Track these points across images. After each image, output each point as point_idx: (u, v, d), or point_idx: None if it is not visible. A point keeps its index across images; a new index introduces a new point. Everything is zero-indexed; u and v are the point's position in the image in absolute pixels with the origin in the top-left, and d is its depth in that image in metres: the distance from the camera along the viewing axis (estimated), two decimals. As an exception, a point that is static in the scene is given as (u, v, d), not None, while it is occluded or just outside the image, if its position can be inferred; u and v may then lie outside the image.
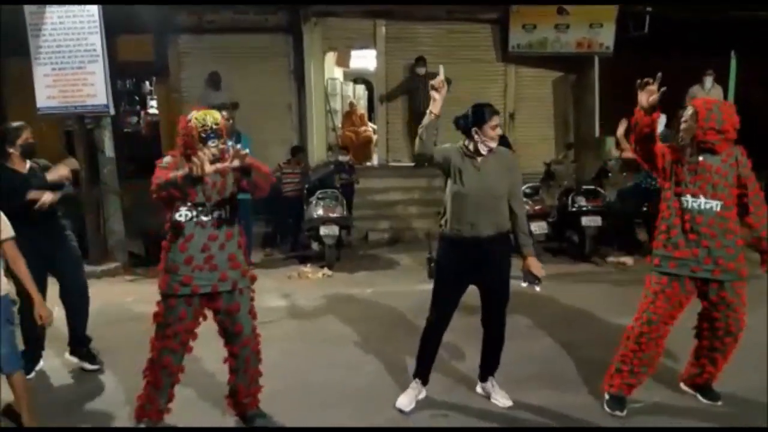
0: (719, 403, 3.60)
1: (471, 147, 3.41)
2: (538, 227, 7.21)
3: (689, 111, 3.41)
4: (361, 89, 13.06)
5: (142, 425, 3.33)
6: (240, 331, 3.28)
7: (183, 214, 3.13)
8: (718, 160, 3.36)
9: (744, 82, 9.98)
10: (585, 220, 7.11)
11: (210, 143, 3.09)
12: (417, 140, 3.34)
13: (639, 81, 3.24)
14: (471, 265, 3.45)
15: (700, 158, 3.36)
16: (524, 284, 3.56)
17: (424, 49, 9.35)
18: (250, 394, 3.42)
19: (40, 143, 6.94)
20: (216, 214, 3.17)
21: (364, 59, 11.75)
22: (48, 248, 4.03)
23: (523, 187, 7.65)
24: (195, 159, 2.90)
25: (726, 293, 3.41)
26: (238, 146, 3.27)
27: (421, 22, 9.55)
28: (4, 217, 3.27)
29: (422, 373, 3.68)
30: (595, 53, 9.37)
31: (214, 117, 3.14)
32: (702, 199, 3.34)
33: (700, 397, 3.66)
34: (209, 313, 3.34)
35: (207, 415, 3.61)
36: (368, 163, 10.39)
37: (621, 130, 6.52)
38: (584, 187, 7.43)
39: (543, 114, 10.11)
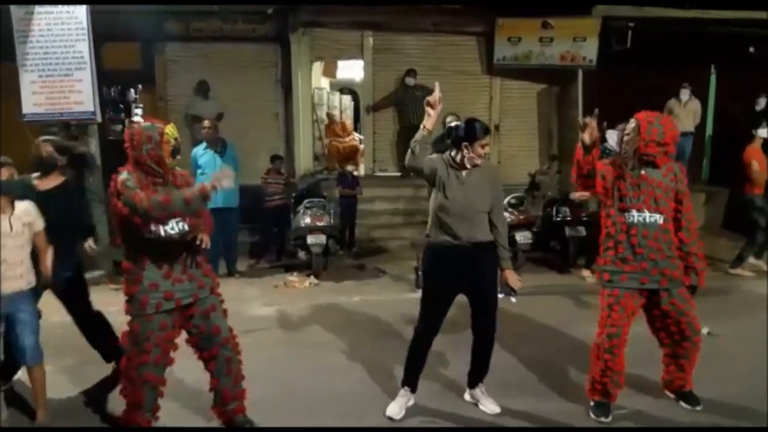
0: (699, 408, 3.68)
1: (458, 159, 3.48)
2: (523, 237, 7.29)
3: (631, 124, 3.52)
4: (347, 99, 13.12)
5: None
6: (218, 332, 3.30)
7: (152, 231, 3.10)
8: (659, 174, 3.47)
9: (722, 95, 10.21)
10: (569, 231, 7.20)
11: (178, 156, 3.22)
12: (409, 154, 3.39)
13: (580, 122, 3.41)
14: (457, 274, 3.51)
15: (642, 172, 3.48)
16: (501, 295, 3.65)
17: (411, 61, 9.45)
18: (235, 397, 3.41)
19: (25, 150, 6.96)
20: (180, 226, 3.18)
21: (351, 69, 11.82)
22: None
23: (509, 197, 7.78)
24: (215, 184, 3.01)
25: (676, 300, 3.54)
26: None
27: (408, 33, 9.65)
28: (35, 208, 3.46)
29: (411, 382, 3.72)
30: (578, 66, 9.52)
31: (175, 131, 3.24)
32: (646, 213, 3.45)
33: (681, 403, 3.74)
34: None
35: (193, 425, 3.60)
36: (355, 173, 10.41)
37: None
38: (568, 197, 7.52)
39: (528, 125, 10.24)
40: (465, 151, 3.44)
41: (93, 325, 4.14)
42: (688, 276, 3.55)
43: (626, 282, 3.50)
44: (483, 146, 3.44)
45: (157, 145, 3.10)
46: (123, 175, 3.12)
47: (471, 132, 3.43)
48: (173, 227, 3.15)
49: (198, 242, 3.17)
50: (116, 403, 3.67)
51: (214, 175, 3.07)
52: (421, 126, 3.34)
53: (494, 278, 3.61)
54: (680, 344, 3.63)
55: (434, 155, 3.53)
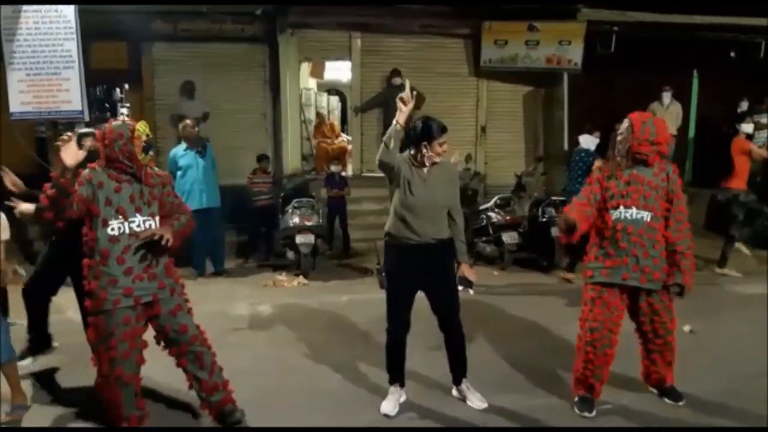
0: (681, 403, 3.77)
1: (417, 158, 3.55)
2: (510, 237, 7.39)
3: (625, 124, 3.60)
4: (334, 100, 13.16)
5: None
6: (186, 330, 3.31)
7: (115, 227, 3.13)
8: (650, 173, 3.54)
9: (704, 99, 10.40)
10: (554, 231, 7.28)
11: (150, 152, 3.30)
12: (382, 148, 3.45)
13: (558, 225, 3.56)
14: (418, 272, 3.58)
15: (634, 170, 3.55)
16: (460, 288, 3.72)
17: (399, 62, 9.49)
18: (217, 387, 3.40)
19: (13, 149, 6.91)
20: (148, 224, 3.21)
21: (338, 71, 11.85)
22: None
23: (496, 198, 7.89)
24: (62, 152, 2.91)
25: (652, 300, 3.61)
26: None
27: (396, 35, 9.70)
28: (4, 218, 3.50)
29: (397, 378, 3.77)
30: (564, 69, 9.64)
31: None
32: (633, 210, 3.52)
33: (665, 399, 3.82)
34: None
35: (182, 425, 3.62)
36: (342, 173, 10.45)
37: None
38: (554, 198, 7.63)
39: (514, 127, 10.33)
40: (424, 150, 3.50)
41: None
42: (673, 275, 3.58)
43: (607, 277, 3.57)
44: (441, 144, 3.51)
45: (128, 140, 3.15)
46: (85, 171, 3.15)
47: (428, 131, 3.49)
48: (139, 224, 3.18)
49: (163, 242, 3.12)
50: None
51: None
52: (394, 122, 3.39)
53: (453, 277, 3.70)
54: (653, 341, 3.73)
55: (397, 154, 3.57)
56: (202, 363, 3.36)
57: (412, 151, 3.57)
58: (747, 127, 7.23)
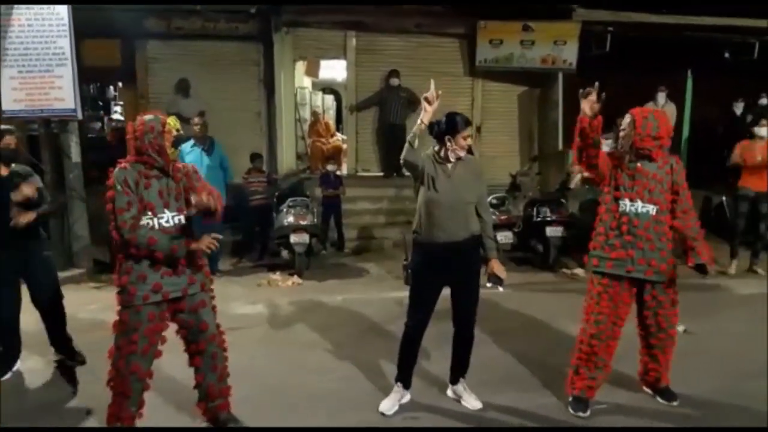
0: (675, 403, 3.78)
1: (442, 154, 3.53)
2: (504, 237, 7.38)
3: (627, 119, 3.61)
4: (329, 99, 13.14)
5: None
6: (206, 328, 3.32)
7: (144, 223, 3.13)
8: (654, 167, 3.57)
9: (698, 100, 10.42)
10: (549, 231, 7.31)
11: (179, 148, 3.29)
12: (407, 147, 3.39)
13: (581, 90, 3.36)
14: (445, 269, 3.55)
15: (638, 164, 3.57)
16: (488, 285, 3.70)
17: (394, 62, 9.50)
18: (221, 394, 3.42)
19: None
20: (176, 219, 3.23)
21: (333, 70, 11.84)
22: (19, 253, 4.08)
23: (490, 198, 7.85)
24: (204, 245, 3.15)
25: (657, 293, 3.63)
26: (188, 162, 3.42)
27: (391, 34, 9.70)
28: None
29: (404, 377, 3.76)
30: (559, 69, 9.64)
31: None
32: (639, 203, 3.54)
33: (658, 398, 3.83)
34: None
35: (176, 422, 3.59)
36: (337, 173, 10.43)
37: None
38: (548, 198, 7.64)
39: (509, 127, 10.34)
40: (448, 144, 3.48)
41: (51, 307, 4.37)
42: (692, 258, 3.60)
43: (612, 269, 3.58)
44: (465, 138, 3.49)
45: (159, 134, 3.16)
46: (116, 171, 3.13)
47: (452, 125, 3.46)
48: (168, 220, 3.19)
49: (208, 248, 3.17)
50: (103, 399, 3.69)
51: (201, 240, 3.16)
52: (419, 120, 3.35)
53: (478, 274, 3.66)
54: (656, 336, 3.74)
55: (421, 153, 3.55)
56: (215, 365, 3.38)
57: (436, 147, 3.55)
58: (761, 131, 7.05)
